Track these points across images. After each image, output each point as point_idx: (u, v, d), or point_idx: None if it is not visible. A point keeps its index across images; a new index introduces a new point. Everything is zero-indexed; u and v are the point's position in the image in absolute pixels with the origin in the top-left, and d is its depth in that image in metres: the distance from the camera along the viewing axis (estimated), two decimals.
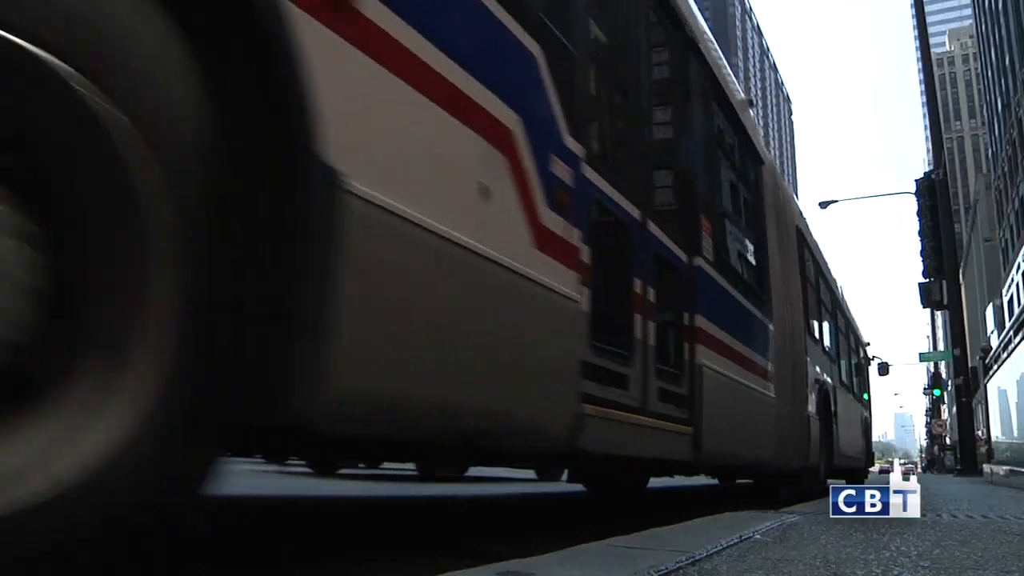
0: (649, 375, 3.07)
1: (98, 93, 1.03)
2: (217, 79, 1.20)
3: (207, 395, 1.17)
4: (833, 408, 7.43)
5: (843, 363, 9.12)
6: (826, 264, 8.67)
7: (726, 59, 4.98)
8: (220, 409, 1.21)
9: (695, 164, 3.91)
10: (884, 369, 19.32)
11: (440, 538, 2.86)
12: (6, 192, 0.98)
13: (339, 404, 1.43)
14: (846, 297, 10.88)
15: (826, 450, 6.77)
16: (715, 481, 8.12)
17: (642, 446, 3.00)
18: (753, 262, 5.05)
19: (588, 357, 2.48)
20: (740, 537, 2.15)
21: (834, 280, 9.29)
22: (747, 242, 5.01)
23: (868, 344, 13.79)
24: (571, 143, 2.46)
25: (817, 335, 7.28)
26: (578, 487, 6.64)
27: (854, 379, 10.18)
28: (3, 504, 0.91)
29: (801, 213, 7.25)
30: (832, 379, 7.75)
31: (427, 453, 3.48)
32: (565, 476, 7.59)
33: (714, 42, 4.63)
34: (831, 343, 8.27)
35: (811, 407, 6.26)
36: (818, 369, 6.90)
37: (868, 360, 13.43)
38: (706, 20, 4.40)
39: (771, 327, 5.08)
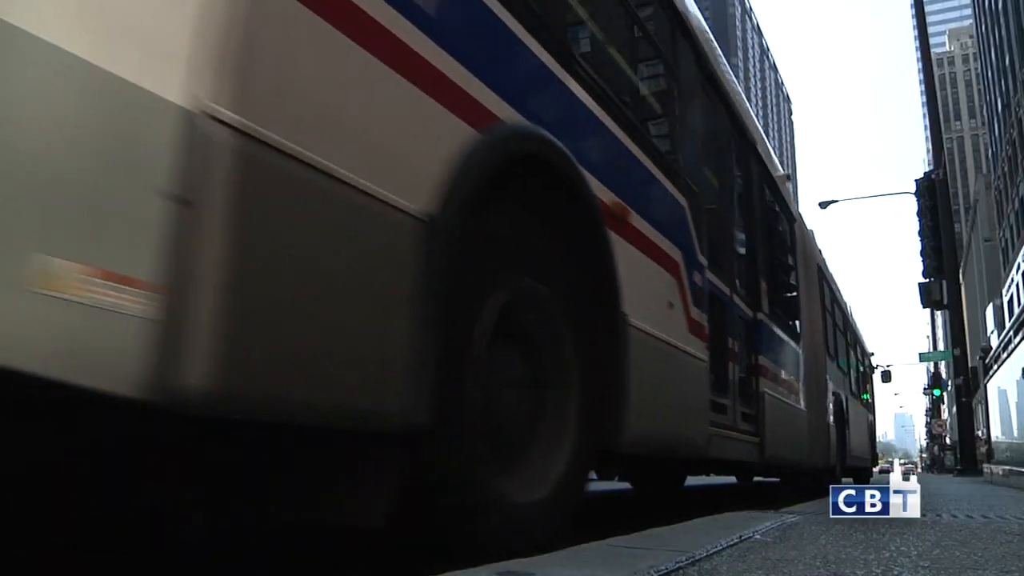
0: (736, 403, 4.33)
1: (564, 312, 2.37)
2: (586, 282, 2.48)
3: (591, 442, 2.42)
4: (845, 416, 8.51)
5: (852, 374, 10.23)
6: (838, 289, 9.78)
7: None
8: (595, 447, 2.48)
9: (757, 242, 5.16)
10: (887, 377, 21.19)
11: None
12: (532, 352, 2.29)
13: (630, 438, 2.64)
14: (853, 312, 11.80)
15: (840, 452, 7.89)
16: (732, 480, 8.42)
17: (734, 452, 4.24)
18: (789, 303, 6.19)
19: (711, 396, 3.76)
20: (740, 537, 2.15)
21: (845, 302, 10.53)
22: (786, 289, 6.16)
23: (872, 354, 15.71)
24: (701, 258, 3.71)
25: (833, 353, 8.27)
26: (625, 485, 7.28)
27: (861, 387, 11.34)
28: (526, 498, 2.04)
29: (820, 251, 8.24)
30: (844, 390, 8.78)
31: (651, 464, 5.14)
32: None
33: (761, 132, 5.74)
34: (843, 358, 9.37)
35: (830, 416, 7.31)
36: (834, 383, 7.93)
37: (872, 369, 15.08)
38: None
39: (801, 353, 6.19)
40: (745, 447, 4.39)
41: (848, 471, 9.09)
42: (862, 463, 10.56)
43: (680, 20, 4.03)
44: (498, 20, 2.09)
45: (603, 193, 2.54)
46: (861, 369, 11.71)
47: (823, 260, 8.29)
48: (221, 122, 1.19)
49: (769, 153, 5.88)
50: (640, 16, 3.49)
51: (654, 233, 3.07)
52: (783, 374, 5.42)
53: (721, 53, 4.68)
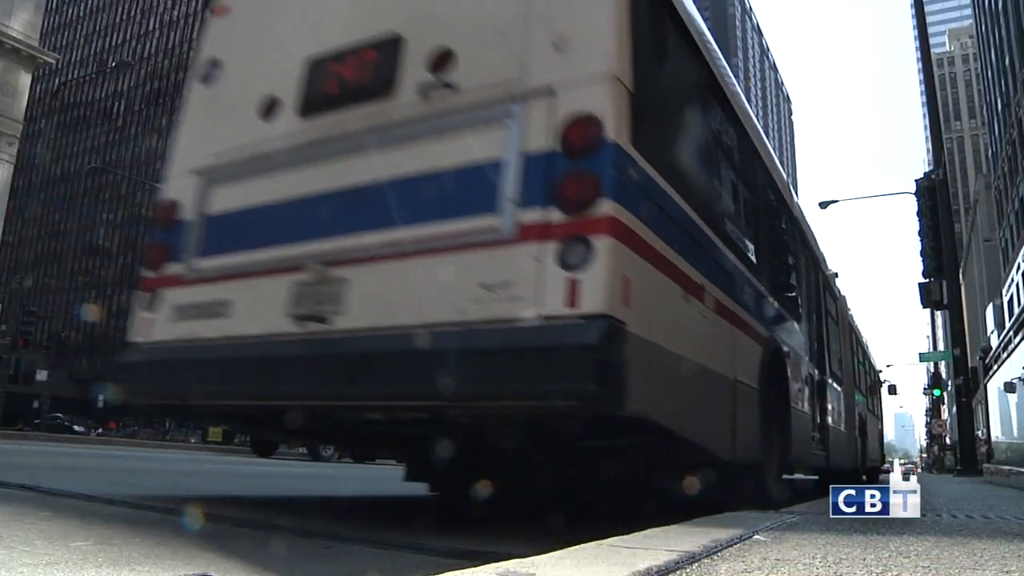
0: (816, 434, 6.64)
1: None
2: (779, 391, 5.09)
3: (783, 464, 5.04)
4: (865, 428, 11.17)
5: (867, 393, 12.95)
6: (859, 330, 12.40)
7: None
8: (784, 466, 5.23)
9: (825, 330, 7.71)
10: (893, 390, 25.92)
11: (440, 537, 2.86)
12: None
13: (793, 461, 5.56)
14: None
15: (862, 456, 10.74)
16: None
17: (817, 463, 6.80)
18: (838, 360, 8.68)
19: (811, 433, 6.34)
20: (740, 537, 2.15)
21: (865, 341, 13.50)
22: (836, 352, 8.63)
23: (881, 371, 19.70)
24: (808, 357, 6.47)
25: (857, 383, 10.89)
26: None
27: (873, 402, 14.34)
28: (769, 487, 4.58)
29: (850, 310, 11.00)
30: (863, 408, 11.46)
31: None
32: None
33: (825, 258, 8.54)
34: (862, 383, 12.03)
35: (856, 431, 9.99)
36: (858, 404, 10.50)
37: (880, 384, 18.50)
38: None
39: (842, 391, 8.67)
40: (820, 460, 6.83)
41: (865, 470, 11.63)
42: (874, 464, 13.60)
43: (816, 260, 7.55)
44: (760, 291, 4.76)
45: (784, 346, 5.13)
46: (871, 384, 14.37)
47: (851, 316, 11.25)
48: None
49: (826, 264, 8.60)
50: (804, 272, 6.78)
51: (798, 355, 5.75)
52: (834, 409, 7.99)
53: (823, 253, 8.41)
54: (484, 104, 2.86)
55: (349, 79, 3.30)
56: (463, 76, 2.94)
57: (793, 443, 5.11)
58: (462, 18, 3.11)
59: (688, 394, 3.31)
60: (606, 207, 2.54)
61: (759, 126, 5.52)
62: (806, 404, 6.07)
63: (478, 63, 2.96)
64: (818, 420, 6.81)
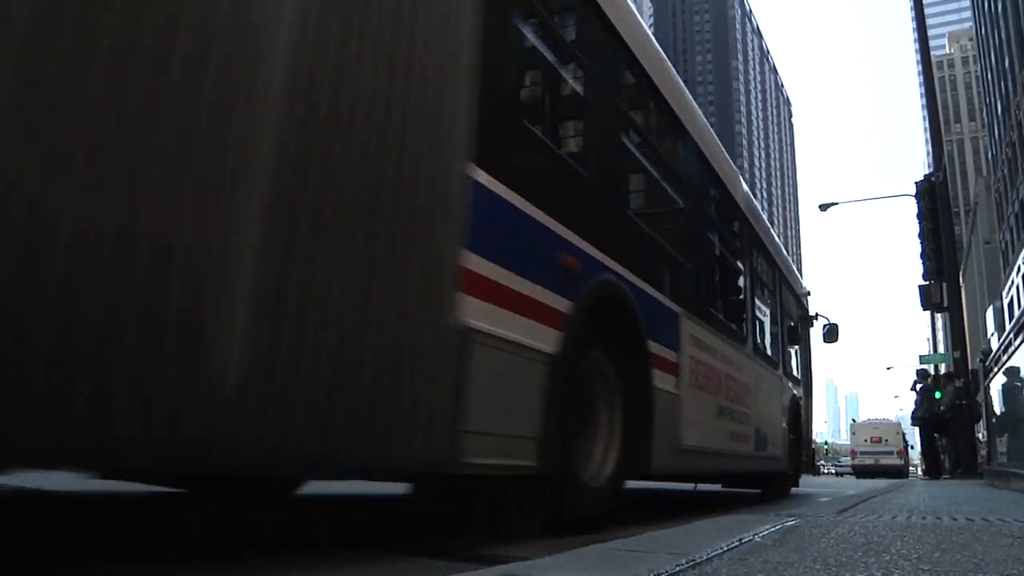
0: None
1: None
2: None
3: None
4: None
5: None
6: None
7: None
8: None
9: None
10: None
11: (441, 540, 2.86)
12: None
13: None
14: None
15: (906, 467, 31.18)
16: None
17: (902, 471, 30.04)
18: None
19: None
20: (740, 540, 2.15)
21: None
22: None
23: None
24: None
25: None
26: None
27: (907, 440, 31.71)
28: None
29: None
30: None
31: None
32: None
33: None
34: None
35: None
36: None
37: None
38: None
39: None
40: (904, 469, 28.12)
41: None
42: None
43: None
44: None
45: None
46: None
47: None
48: None
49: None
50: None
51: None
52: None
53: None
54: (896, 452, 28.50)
55: (875, 440, 29.47)
56: (888, 444, 29.43)
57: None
58: (892, 437, 29.56)
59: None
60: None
61: None
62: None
63: (892, 440, 29.50)
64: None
